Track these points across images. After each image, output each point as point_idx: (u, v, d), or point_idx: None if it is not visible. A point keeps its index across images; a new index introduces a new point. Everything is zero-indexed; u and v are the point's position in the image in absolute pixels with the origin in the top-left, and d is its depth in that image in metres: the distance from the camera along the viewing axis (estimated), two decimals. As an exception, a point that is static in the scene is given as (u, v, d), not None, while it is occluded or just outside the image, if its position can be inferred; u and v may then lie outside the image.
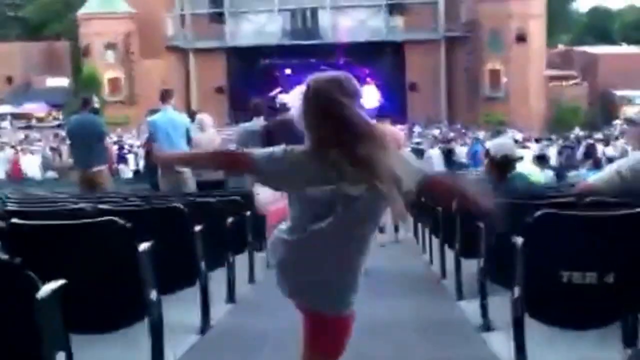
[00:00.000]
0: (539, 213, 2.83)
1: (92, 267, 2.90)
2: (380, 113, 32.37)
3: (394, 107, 33.44)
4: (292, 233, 1.94)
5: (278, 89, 32.03)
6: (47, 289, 2.11)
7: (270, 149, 1.97)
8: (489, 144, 4.58)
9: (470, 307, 4.19)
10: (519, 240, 2.97)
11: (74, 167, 7.84)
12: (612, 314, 2.90)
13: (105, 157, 7.74)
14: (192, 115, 8.97)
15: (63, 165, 14.80)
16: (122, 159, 18.05)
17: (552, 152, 15.78)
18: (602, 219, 2.84)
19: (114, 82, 31.85)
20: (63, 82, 33.77)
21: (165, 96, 7.38)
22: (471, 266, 4.71)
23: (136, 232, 3.05)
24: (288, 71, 35.39)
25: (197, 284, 4.02)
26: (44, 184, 14.07)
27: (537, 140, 20.65)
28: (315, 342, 1.98)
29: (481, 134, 25.66)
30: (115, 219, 2.86)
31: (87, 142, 7.43)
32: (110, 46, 31.74)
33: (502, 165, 4.30)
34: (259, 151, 2.01)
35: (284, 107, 7.25)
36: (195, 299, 4.02)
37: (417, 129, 29.01)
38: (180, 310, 4.05)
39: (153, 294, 3.10)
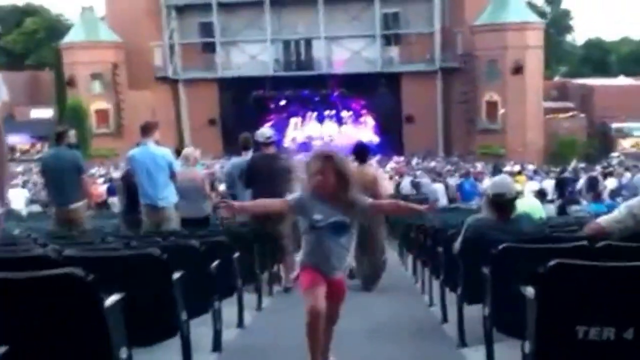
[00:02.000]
0: (552, 263, 2.59)
1: (48, 327, 2.66)
2: (377, 146, 32.54)
3: (391, 140, 33.49)
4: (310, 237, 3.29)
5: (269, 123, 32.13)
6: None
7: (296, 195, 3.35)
8: (486, 184, 4.37)
9: (474, 357, 3.94)
10: (531, 291, 2.74)
11: (50, 204, 7.57)
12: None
13: (82, 193, 7.48)
14: (177, 151, 8.76)
15: (47, 199, 14.56)
16: (112, 192, 17.77)
17: (549, 184, 15.64)
18: (621, 270, 2.61)
19: (101, 113, 31.64)
20: (47, 113, 33.58)
21: (146, 130, 7.11)
22: (472, 309, 4.49)
23: (101, 282, 2.83)
24: (282, 102, 35.48)
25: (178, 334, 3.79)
26: (28, 219, 13.80)
27: (535, 172, 20.57)
28: (331, 294, 3.24)
29: (479, 166, 25.61)
30: (74, 271, 2.60)
31: (62, 178, 7.17)
32: (96, 76, 31.53)
33: (503, 205, 4.10)
34: (291, 197, 3.38)
35: (268, 141, 7.08)
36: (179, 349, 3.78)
37: (414, 162, 28.93)
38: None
39: (123, 353, 2.85)
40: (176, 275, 3.68)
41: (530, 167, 24.36)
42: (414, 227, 8.21)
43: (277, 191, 6.69)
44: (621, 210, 4.05)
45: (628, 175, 16.26)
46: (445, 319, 5.36)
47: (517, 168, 23.64)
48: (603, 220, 4.13)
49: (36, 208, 16.88)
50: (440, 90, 33.63)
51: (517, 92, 30.65)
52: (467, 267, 4.23)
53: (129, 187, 7.82)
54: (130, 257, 3.41)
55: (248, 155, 6.98)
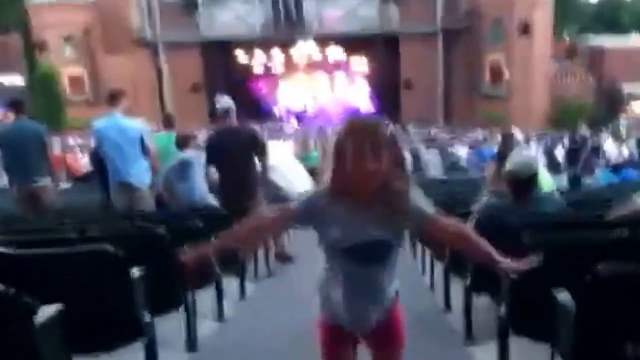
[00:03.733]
0: (599, 269, 2.19)
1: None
2: (372, 113, 32.06)
3: (387, 106, 32.97)
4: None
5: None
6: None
7: (306, 199, 2.19)
8: (508, 165, 3.94)
9: (484, 356, 3.60)
10: (568, 299, 2.35)
11: (11, 183, 7.12)
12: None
13: (48, 168, 7.05)
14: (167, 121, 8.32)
15: (8, 177, 14.11)
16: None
17: (559, 153, 15.30)
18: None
19: (75, 80, 30.81)
20: (17, 80, 32.80)
21: (112, 99, 6.58)
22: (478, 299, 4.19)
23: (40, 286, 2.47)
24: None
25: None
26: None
27: (539, 139, 20.23)
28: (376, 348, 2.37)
29: (480, 134, 25.23)
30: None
31: (25, 153, 6.75)
32: (68, 39, 30.60)
33: (521, 184, 3.71)
34: (297, 203, 2.18)
35: (226, 113, 6.66)
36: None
37: (411, 129, 28.49)
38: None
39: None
40: (136, 271, 3.29)
41: (535, 133, 24.03)
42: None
43: (243, 168, 6.35)
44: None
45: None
46: (448, 306, 5.10)
47: (520, 136, 23.35)
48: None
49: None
50: (441, 54, 32.97)
51: (523, 54, 30.06)
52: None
53: (99, 166, 7.34)
54: (79, 254, 2.99)
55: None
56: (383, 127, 2.02)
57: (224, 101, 6.77)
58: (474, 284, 4.10)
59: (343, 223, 2.06)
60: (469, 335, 4.24)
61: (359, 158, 1.96)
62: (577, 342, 2.27)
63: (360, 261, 2.10)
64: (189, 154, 6.88)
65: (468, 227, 2.21)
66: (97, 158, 7.21)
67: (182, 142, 7.03)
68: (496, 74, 31.12)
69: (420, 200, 2.09)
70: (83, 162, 16.91)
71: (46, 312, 2.37)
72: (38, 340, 2.23)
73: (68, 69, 30.51)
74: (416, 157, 16.12)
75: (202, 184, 6.77)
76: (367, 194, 2.03)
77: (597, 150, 14.43)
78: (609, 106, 31.63)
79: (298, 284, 5.66)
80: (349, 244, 2.07)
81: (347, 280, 2.13)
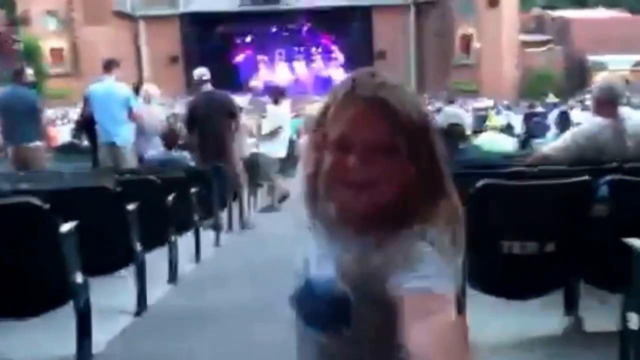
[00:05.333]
0: (480, 183, 2.91)
1: (11, 250, 2.91)
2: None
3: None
4: None
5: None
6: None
7: None
8: (439, 119, 4.67)
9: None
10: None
11: (6, 144, 7.69)
12: (553, 282, 3.01)
13: (40, 132, 7.61)
14: (136, 88, 8.85)
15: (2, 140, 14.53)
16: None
17: (519, 120, 16.01)
18: (541, 188, 2.93)
19: (56, 52, 30.97)
20: (-1, 53, 32.84)
21: (107, 66, 7.28)
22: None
23: (59, 213, 3.06)
24: (248, 39, 35.10)
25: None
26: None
27: (509, 108, 20.98)
28: None
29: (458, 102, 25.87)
30: (32, 200, 2.85)
31: (19, 117, 7.30)
32: (50, 12, 30.73)
33: (450, 134, 4.40)
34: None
35: (202, 79, 7.33)
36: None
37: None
38: (116, 293, 4.10)
39: (78, 277, 3.11)
40: (131, 206, 3.93)
41: (504, 102, 24.79)
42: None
43: (220, 129, 7.01)
44: (566, 137, 4.38)
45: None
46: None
47: (489, 103, 24.13)
48: (547, 148, 4.48)
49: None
50: (413, 25, 33.55)
51: (492, 25, 30.73)
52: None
53: (86, 124, 7.95)
54: (84, 190, 3.65)
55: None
56: (412, 99, 1.12)
57: (199, 71, 7.42)
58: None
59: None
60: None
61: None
62: (467, 244, 2.98)
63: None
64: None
65: None
66: (88, 121, 7.78)
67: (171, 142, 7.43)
68: (466, 45, 31.80)
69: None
70: (62, 133, 17.39)
71: (65, 226, 2.99)
72: (62, 247, 2.83)
73: (50, 41, 30.67)
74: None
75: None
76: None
77: (565, 114, 15.03)
78: (577, 76, 32.42)
79: (268, 236, 6.41)
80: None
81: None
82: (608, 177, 2.84)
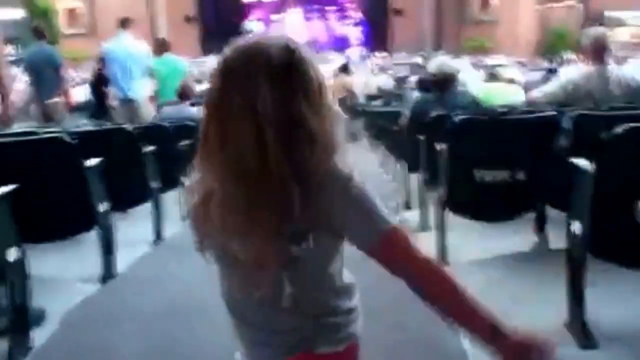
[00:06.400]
0: (457, 119, 3.29)
1: (43, 181, 3.34)
2: (362, 41, 32.64)
3: (377, 34, 33.52)
4: None
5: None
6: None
7: None
8: (433, 66, 5.05)
9: (414, 214, 4.71)
10: (442, 146, 3.45)
11: (32, 100, 8.16)
12: (521, 207, 3.41)
13: (61, 88, 8.04)
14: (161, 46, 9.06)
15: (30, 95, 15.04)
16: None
17: (535, 76, 16.16)
18: (510, 122, 3.31)
19: (71, 12, 31.26)
20: (16, 13, 33.15)
21: (124, 23, 7.64)
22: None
23: (85, 150, 3.48)
24: (262, -2, 35.11)
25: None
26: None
27: (523, 65, 21.05)
28: None
29: (466, 60, 25.92)
30: (61, 135, 3.28)
31: (44, 74, 7.73)
32: (66, -29, 30.98)
33: (440, 81, 4.76)
34: None
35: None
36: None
37: (398, 58, 29.14)
38: (136, 226, 4.56)
39: (102, 206, 3.55)
40: (147, 148, 4.36)
41: (518, 60, 24.77)
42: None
43: None
44: (555, 83, 4.74)
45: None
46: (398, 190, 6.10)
47: (503, 61, 24.12)
48: (536, 91, 4.83)
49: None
50: (429, -19, 33.33)
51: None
52: (413, 139, 4.92)
53: (98, 88, 8.39)
54: (106, 131, 4.08)
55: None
56: (297, 59, 1.06)
57: (248, 24, 7.76)
58: (409, 165, 5.20)
59: None
60: (407, 204, 5.35)
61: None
62: (446, 174, 3.37)
63: None
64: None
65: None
66: (98, 82, 8.19)
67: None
68: (485, 1, 31.63)
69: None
70: (78, 94, 17.83)
71: (91, 161, 3.40)
72: (87, 179, 3.22)
73: (64, 1, 30.97)
74: (400, 83, 16.89)
75: None
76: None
77: (554, 71, 15.11)
78: (596, 32, 32.07)
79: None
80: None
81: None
82: (569, 112, 3.20)
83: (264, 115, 1.01)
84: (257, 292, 1.10)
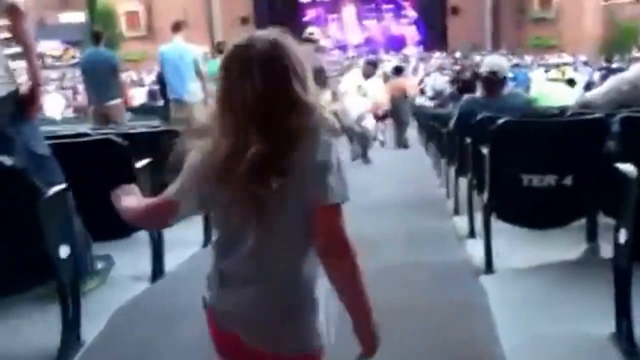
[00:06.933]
0: (500, 121, 3.27)
1: (93, 182, 3.47)
2: (418, 41, 32.37)
3: (434, 34, 33.24)
4: None
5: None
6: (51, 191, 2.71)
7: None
8: (483, 65, 4.98)
9: (463, 219, 4.68)
10: (487, 149, 3.43)
11: (89, 103, 8.46)
12: (571, 213, 3.36)
13: (118, 91, 8.31)
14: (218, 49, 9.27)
15: (80, 104, 15.54)
16: (152, 97, 18.73)
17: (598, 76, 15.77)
18: (558, 124, 3.27)
19: (131, 15, 32.15)
20: (78, 17, 34.25)
21: (175, 27, 7.90)
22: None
23: (136, 151, 3.60)
24: (317, -2, 35.33)
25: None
26: (62, 123, 14.85)
27: (586, 64, 20.58)
28: None
29: (528, 60, 25.49)
30: (111, 137, 3.41)
31: (100, 77, 8.00)
32: (125, -24, 31.89)
33: (493, 82, 4.69)
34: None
35: (308, 37, 7.66)
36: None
37: (458, 56, 28.86)
38: (186, 228, 4.66)
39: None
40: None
41: (582, 58, 24.21)
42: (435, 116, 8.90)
43: None
44: (609, 84, 4.60)
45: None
46: (448, 195, 6.08)
47: (568, 59, 23.59)
48: (589, 93, 4.72)
49: (69, 114, 17.93)
50: (489, -22, 32.87)
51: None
52: (460, 142, 4.90)
53: (162, 90, 8.68)
54: (156, 133, 4.22)
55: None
56: (281, 48, 1.32)
57: (310, 28, 7.82)
58: (458, 169, 5.17)
59: None
60: (456, 210, 5.30)
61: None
62: (491, 178, 3.35)
63: None
64: None
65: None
66: (161, 78, 8.44)
67: None
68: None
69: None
70: (137, 95, 18.34)
71: (141, 162, 3.51)
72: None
73: (124, 4, 31.89)
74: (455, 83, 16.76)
75: None
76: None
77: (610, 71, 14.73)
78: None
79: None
80: None
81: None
82: (619, 115, 3.14)
83: (253, 89, 1.28)
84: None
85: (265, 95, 1.28)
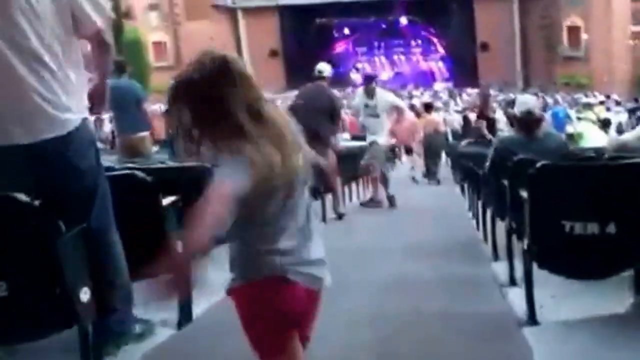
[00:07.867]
0: (538, 165, 3.16)
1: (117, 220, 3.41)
2: (448, 78, 32.36)
3: (464, 70, 33.25)
4: None
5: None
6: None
7: None
8: (518, 106, 4.88)
9: (502, 265, 4.53)
10: (525, 193, 3.32)
11: (115, 134, 8.47)
12: (615, 264, 3.21)
13: (145, 123, 8.30)
14: None
15: (105, 135, 15.63)
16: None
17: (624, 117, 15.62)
18: (600, 169, 3.15)
19: (158, 46, 32.65)
20: (105, 47, 34.80)
21: None
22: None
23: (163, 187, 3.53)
24: (346, 31, 35.61)
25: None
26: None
27: (618, 104, 20.36)
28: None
29: (559, 97, 25.30)
30: (136, 172, 3.35)
31: (125, 109, 8.00)
32: (153, 7, 32.45)
33: (530, 123, 4.59)
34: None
35: (318, 75, 7.66)
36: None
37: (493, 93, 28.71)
38: (215, 271, 4.57)
39: (178, 247, 3.57)
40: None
41: (615, 97, 23.95)
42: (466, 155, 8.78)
43: (315, 124, 7.26)
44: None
45: None
46: (485, 239, 5.92)
47: (600, 98, 23.35)
48: (627, 135, 4.61)
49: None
50: (517, 15, 32.91)
51: (602, 16, 29.66)
52: (497, 184, 4.77)
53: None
54: (184, 168, 4.15)
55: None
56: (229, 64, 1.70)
57: (318, 66, 7.82)
58: (495, 211, 5.03)
59: None
60: (495, 254, 5.14)
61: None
62: (531, 224, 3.23)
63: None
64: None
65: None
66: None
67: None
68: (575, 36, 30.86)
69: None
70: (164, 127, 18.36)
71: (167, 199, 3.43)
72: (163, 217, 3.19)
73: (152, 35, 32.42)
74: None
75: None
76: None
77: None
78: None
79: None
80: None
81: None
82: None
83: (202, 95, 1.67)
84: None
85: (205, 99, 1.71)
